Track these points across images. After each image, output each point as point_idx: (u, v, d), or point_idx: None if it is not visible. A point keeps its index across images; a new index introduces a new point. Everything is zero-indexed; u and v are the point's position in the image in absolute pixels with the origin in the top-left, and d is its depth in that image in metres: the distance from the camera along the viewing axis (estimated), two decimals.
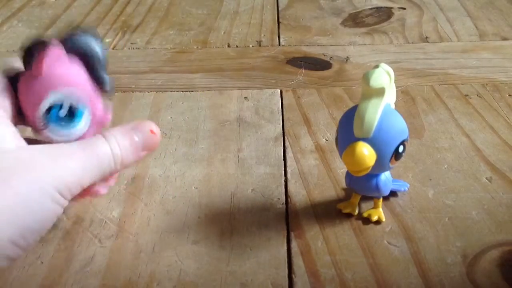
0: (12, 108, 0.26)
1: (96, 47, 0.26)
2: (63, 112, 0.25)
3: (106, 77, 0.27)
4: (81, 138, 0.26)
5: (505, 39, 0.58)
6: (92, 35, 0.26)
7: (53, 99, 0.25)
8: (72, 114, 0.26)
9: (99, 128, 0.27)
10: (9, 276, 0.29)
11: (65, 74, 0.25)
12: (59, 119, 0.25)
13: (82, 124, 0.26)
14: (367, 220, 0.32)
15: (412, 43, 0.57)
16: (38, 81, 0.25)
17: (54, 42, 0.25)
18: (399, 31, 0.60)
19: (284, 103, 0.46)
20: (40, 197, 0.24)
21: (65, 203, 0.25)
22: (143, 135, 0.28)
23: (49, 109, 0.25)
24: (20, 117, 0.26)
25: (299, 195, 0.35)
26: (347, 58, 0.54)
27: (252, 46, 0.57)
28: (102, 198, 0.35)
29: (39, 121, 0.25)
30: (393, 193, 0.34)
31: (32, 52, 0.24)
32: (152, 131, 0.28)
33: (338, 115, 0.41)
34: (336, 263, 0.30)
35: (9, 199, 0.23)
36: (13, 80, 0.26)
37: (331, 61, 0.53)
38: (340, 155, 0.29)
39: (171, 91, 0.48)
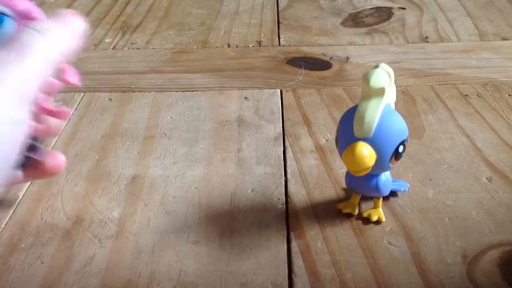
0: None
1: None
2: None
3: None
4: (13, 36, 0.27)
5: (505, 39, 0.58)
6: None
7: None
8: None
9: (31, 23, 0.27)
10: (9, 276, 0.29)
11: None
12: None
13: (8, 25, 0.27)
14: (367, 220, 0.32)
15: (412, 43, 0.57)
16: None
17: None
18: (399, 31, 0.60)
19: (284, 103, 0.46)
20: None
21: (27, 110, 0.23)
22: (67, 18, 0.26)
23: None
24: None
25: (299, 195, 0.35)
26: (347, 58, 0.54)
27: (252, 46, 0.57)
28: (102, 198, 0.35)
29: None
30: (393, 193, 0.34)
31: None
32: (72, 13, 0.27)
33: (338, 115, 0.41)
34: (336, 263, 0.30)
35: None
36: None
37: (331, 61, 0.53)
38: (340, 155, 0.29)
39: (171, 91, 0.48)
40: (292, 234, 0.32)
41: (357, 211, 0.33)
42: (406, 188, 0.34)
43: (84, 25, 0.27)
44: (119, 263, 0.30)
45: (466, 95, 0.46)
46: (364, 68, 0.52)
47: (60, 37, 0.26)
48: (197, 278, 0.29)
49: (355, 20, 0.64)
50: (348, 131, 0.28)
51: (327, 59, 0.54)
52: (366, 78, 0.28)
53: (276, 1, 0.70)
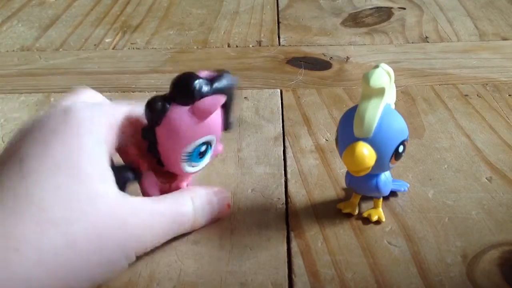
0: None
1: (235, 91, 0.29)
2: (202, 149, 0.28)
3: (233, 120, 0.30)
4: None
5: (505, 39, 0.58)
6: (233, 79, 0.29)
7: (204, 141, 0.28)
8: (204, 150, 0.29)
9: (213, 158, 0.31)
10: None
11: (216, 120, 0.28)
12: (197, 156, 0.29)
13: (208, 159, 0.30)
14: (367, 220, 0.32)
15: (412, 43, 0.57)
16: (198, 124, 0.27)
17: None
18: (399, 31, 0.60)
19: (284, 103, 0.46)
20: (118, 257, 0.25)
21: (134, 260, 0.27)
22: (219, 206, 0.31)
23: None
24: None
25: (299, 195, 0.35)
26: (347, 58, 0.54)
27: (252, 46, 0.57)
28: None
29: (183, 155, 0.28)
30: (393, 193, 0.34)
31: (200, 95, 0.27)
32: (228, 206, 0.32)
33: (338, 115, 0.41)
34: (336, 263, 0.30)
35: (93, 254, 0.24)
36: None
37: (331, 61, 0.53)
38: (340, 155, 0.29)
39: None
40: (292, 234, 0.32)
41: (357, 211, 0.33)
42: (406, 188, 0.34)
43: (228, 215, 0.32)
44: None
45: (466, 95, 0.46)
46: (364, 68, 0.52)
47: (203, 219, 0.30)
48: (197, 278, 0.29)
49: (355, 20, 0.64)
50: (348, 131, 0.28)
51: (327, 59, 0.54)
52: (366, 78, 0.28)
53: (276, 1, 0.70)
